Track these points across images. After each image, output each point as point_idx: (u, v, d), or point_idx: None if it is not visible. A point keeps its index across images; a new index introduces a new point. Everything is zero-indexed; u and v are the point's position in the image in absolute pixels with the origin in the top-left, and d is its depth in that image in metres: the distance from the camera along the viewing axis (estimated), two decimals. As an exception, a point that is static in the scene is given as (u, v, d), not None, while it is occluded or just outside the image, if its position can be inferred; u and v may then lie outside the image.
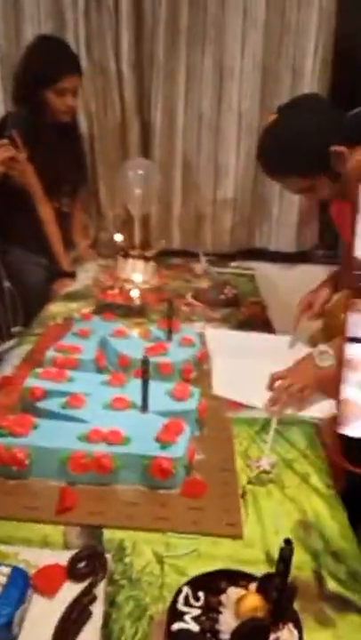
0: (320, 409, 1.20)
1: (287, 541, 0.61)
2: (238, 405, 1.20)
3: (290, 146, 1.15)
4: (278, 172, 1.22)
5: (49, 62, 1.81)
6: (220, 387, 1.26)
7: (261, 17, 2.03)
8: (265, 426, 1.14)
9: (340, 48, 2.09)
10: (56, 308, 1.75)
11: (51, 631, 0.67)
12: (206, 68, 2.11)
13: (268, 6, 2.03)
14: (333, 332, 1.28)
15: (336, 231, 2.21)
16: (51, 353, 1.26)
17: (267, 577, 0.67)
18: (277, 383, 1.21)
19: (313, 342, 1.42)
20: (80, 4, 2.06)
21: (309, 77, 2.09)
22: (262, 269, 2.19)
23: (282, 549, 0.60)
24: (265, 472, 1.00)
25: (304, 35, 2.07)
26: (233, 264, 2.23)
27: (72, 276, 2.02)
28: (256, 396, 1.21)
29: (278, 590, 0.62)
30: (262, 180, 2.28)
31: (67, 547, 0.82)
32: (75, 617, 0.69)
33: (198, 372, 1.32)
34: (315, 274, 1.57)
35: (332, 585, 0.79)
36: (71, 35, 2.10)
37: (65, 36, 2.10)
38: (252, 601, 0.65)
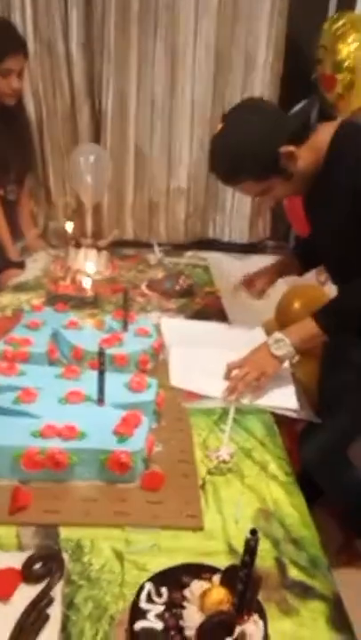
0: (277, 397, 1.20)
1: (253, 532, 0.59)
2: (196, 396, 1.19)
3: (239, 153, 1.16)
4: (232, 179, 1.23)
5: None
6: (178, 378, 1.25)
7: (214, 3, 2.01)
8: (223, 416, 1.13)
9: (293, 36, 2.10)
10: (5, 300, 1.68)
11: (6, 636, 0.64)
12: (158, 53, 2.07)
13: (220, -7, 2.01)
14: (287, 321, 1.29)
15: (287, 223, 2.25)
16: (0, 346, 1.20)
17: (231, 569, 0.65)
18: (234, 372, 1.20)
19: (268, 331, 1.43)
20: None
21: (262, 66, 2.10)
22: (216, 260, 2.18)
23: (248, 540, 0.59)
24: (224, 462, 0.99)
25: (257, 23, 2.07)
26: (187, 254, 2.21)
27: (21, 266, 1.95)
28: (213, 386, 1.21)
29: (243, 582, 0.61)
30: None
31: (21, 548, 0.79)
32: (31, 621, 0.66)
33: (155, 362, 1.30)
34: (267, 264, 1.59)
35: (293, 572, 0.79)
36: (18, 13, 2.01)
37: (11, 15, 2.01)
38: (217, 594, 0.64)
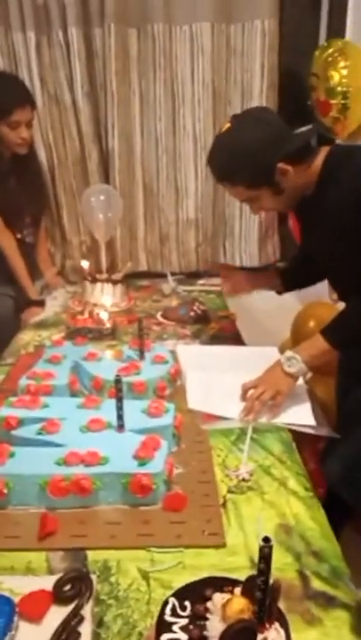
0: (293, 414, 1.23)
1: (266, 539, 0.62)
2: (213, 417, 1.22)
3: (237, 157, 1.19)
4: (225, 179, 1.27)
5: None
6: (195, 401, 1.28)
7: (208, 43, 2.12)
8: (241, 435, 1.16)
9: (286, 67, 2.19)
10: (27, 337, 1.74)
11: (40, 656, 0.67)
12: (159, 95, 2.17)
13: (213, 33, 2.11)
14: (302, 340, 1.31)
15: (296, 244, 2.29)
16: (24, 381, 1.26)
17: (251, 579, 0.68)
18: (249, 393, 1.23)
19: (283, 350, 1.46)
20: (31, 41, 2.11)
21: (258, 97, 2.18)
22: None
23: (261, 548, 0.62)
24: (244, 480, 1.02)
25: (250, 58, 2.16)
26: (200, 281, 2.26)
27: (41, 304, 2.02)
28: (230, 408, 1.24)
29: (261, 590, 0.63)
30: (222, 199, 2.36)
31: (51, 572, 0.82)
32: (63, 639, 0.69)
33: (172, 388, 1.33)
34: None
35: (316, 584, 0.81)
36: (25, 69, 2.15)
37: (18, 69, 2.15)
38: (238, 604, 0.66)
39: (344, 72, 1.86)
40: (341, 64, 1.86)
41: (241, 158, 1.19)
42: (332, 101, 1.89)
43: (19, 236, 2.02)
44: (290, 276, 1.56)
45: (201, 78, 2.16)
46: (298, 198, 1.26)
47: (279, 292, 1.59)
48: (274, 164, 1.18)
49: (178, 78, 2.16)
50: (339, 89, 1.86)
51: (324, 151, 1.24)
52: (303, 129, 1.25)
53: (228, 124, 1.23)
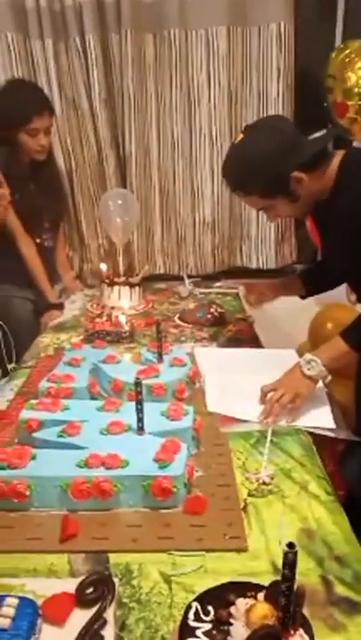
0: (312, 417, 1.22)
1: (290, 545, 0.61)
2: (233, 420, 1.22)
3: (251, 168, 1.20)
4: (239, 189, 1.27)
5: (18, 105, 1.86)
6: (214, 403, 1.28)
7: (224, 47, 2.12)
8: (260, 438, 1.15)
9: (302, 69, 2.18)
10: (46, 340, 1.76)
11: (63, 659, 0.67)
12: (175, 99, 2.19)
13: (228, 37, 2.12)
14: (320, 342, 1.30)
15: (313, 246, 2.28)
16: (44, 384, 1.27)
17: (274, 584, 0.67)
18: (269, 395, 1.23)
19: (302, 354, 1.45)
20: (49, 49, 2.14)
21: (274, 100, 2.18)
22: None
23: (286, 554, 0.61)
24: (264, 483, 1.01)
25: (266, 61, 2.16)
26: (217, 284, 2.26)
27: (60, 307, 2.04)
28: (250, 410, 1.23)
29: (286, 595, 0.62)
30: (239, 201, 2.35)
31: (73, 574, 0.82)
32: (86, 642, 0.69)
33: (191, 390, 1.33)
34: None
35: (339, 589, 0.80)
36: (43, 76, 2.17)
37: (37, 78, 2.17)
38: (262, 609, 0.65)
39: (361, 73, 1.85)
40: (359, 65, 1.85)
41: (255, 169, 1.19)
42: (349, 103, 1.87)
43: (38, 240, 2.04)
44: (312, 280, 1.55)
45: (217, 82, 2.16)
46: (314, 204, 1.26)
47: (302, 297, 1.59)
48: (288, 173, 1.18)
49: (194, 82, 2.17)
50: (356, 90, 1.85)
51: (339, 155, 1.23)
52: (317, 134, 1.25)
53: (242, 135, 1.24)
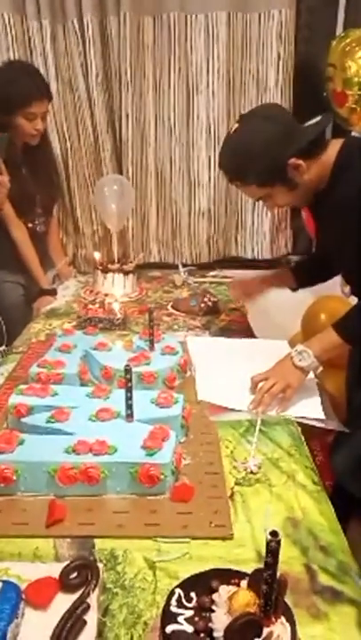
0: (302, 407, 1.22)
1: (273, 533, 0.61)
2: (223, 409, 1.22)
3: (247, 157, 1.19)
4: (237, 179, 1.26)
5: (19, 88, 1.84)
6: (205, 392, 1.28)
7: (224, 33, 2.09)
8: (250, 428, 1.15)
9: (302, 57, 2.16)
10: (38, 326, 1.75)
11: (45, 643, 0.67)
12: (173, 84, 2.16)
13: (229, 22, 2.09)
14: (313, 334, 1.30)
15: (309, 237, 2.28)
16: (34, 369, 1.26)
17: (257, 572, 0.67)
18: (259, 385, 1.23)
19: (293, 344, 1.45)
20: (46, 30, 2.10)
21: (273, 87, 2.16)
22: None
23: (269, 542, 0.61)
24: (252, 472, 1.01)
25: (266, 48, 2.13)
26: (211, 273, 2.26)
27: (52, 293, 2.03)
28: (240, 400, 1.23)
29: (268, 583, 0.63)
30: (235, 191, 2.34)
31: (58, 559, 0.82)
32: (69, 627, 0.69)
33: (182, 379, 1.33)
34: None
35: (323, 578, 0.80)
36: (40, 58, 2.14)
37: (34, 59, 2.14)
38: (244, 597, 0.65)
39: (362, 62, 1.83)
40: (359, 54, 1.83)
41: (251, 158, 1.19)
42: (349, 92, 1.86)
43: (30, 225, 2.03)
44: (304, 273, 1.55)
45: (216, 68, 2.13)
46: (313, 192, 1.25)
47: (293, 289, 1.58)
48: (285, 161, 1.18)
49: (193, 68, 2.14)
50: (356, 79, 1.83)
51: (338, 143, 1.22)
52: (313, 121, 1.24)
53: (237, 124, 1.23)
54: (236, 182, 1.27)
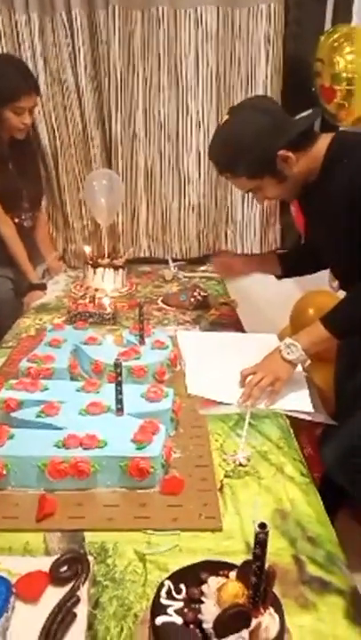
0: (291, 400, 1.23)
1: (262, 525, 0.62)
2: (212, 403, 1.22)
3: (237, 148, 1.19)
4: (227, 171, 1.27)
5: (7, 82, 1.83)
6: (195, 386, 1.28)
7: (213, 27, 2.08)
8: (239, 421, 1.16)
9: (291, 52, 2.16)
10: (28, 321, 1.74)
11: (36, 635, 0.68)
12: (162, 79, 2.15)
13: (218, 17, 2.08)
14: (302, 328, 1.31)
15: (297, 232, 2.28)
16: (24, 364, 1.26)
17: (246, 564, 0.68)
18: (248, 379, 1.23)
19: (282, 338, 1.46)
20: (35, 23, 2.08)
21: (262, 83, 2.16)
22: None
23: (257, 534, 0.62)
24: (241, 465, 1.02)
25: (255, 43, 2.13)
26: (201, 268, 2.26)
27: (42, 288, 2.02)
28: (229, 393, 1.24)
29: (256, 574, 0.63)
30: (225, 185, 2.34)
31: (48, 553, 0.83)
32: (59, 620, 0.70)
33: (172, 373, 1.34)
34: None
35: (311, 569, 0.81)
36: (28, 51, 2.12)
37: (22, 52, 2.12)
38: (233, 588, 0.66)
39: (350, 58, 1.83)
40: (347, 49, 1.83)
41: (241, 149, 1.19)
42: (337, 87, 1.86)
43: (16, 220, 2.02)
44: (290, 262, 1.55)
45: (205, 63, 2.12)
46: (302, 185, 1.25)
47: (278, 277, 1.58)
48: (274, 153, 1.18)
49: (182, 62, 2.13)
50: (344, 75, 1.83)
51: (328, 137, 1.23)
52: (303, 114, 1.25)
53: (227, 116, 1.23)
54: (227, 174, 1.28)
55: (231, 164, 1.24)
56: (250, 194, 1.33)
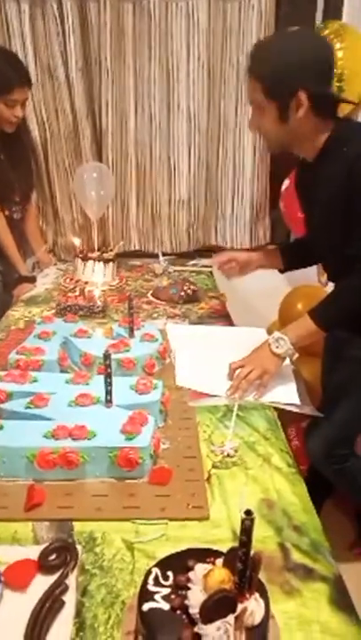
0: (278, 393, 1.24)
1: (248, 512, 0.63)
2: (201, 395, 1.24)
3: (279, 55, 1.16)
4: (251, 70, 1.21)
5: (1, 74, 1.81)
6: (183, 378, 1.29)
7: (204, 20, 2.08)
8: (227, 412, 1.17)
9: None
10: (18, 314, 1.74)
11: (24, 622, 0.68)
12: (153, 72, 2.14)
13: (210, 10, 2.08)
14: (290, 322, 1.32)
15: (286, 228, 2.30)
16: (13, 356, 1.26)
17: (232, 551, 0.69)
18: (237, 372, 1.25)
19: (270, 332, 1.47)
20: (25, 13, 2.07)
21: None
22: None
23: (243, 520, 0.63)
24: (228, 456, 1.03)
25: (246, 36, 2.13)
26: (191, 262, 2.26)
27: (32, 280, 2.01)
28: (218, 386, 1.25)
29: (242, 561, 0.64)
30: (215, 180, 2.35)
31: (37, 542, 0.83)
32: (47, 607, 0.70)
33: (161, 365, 1.34)
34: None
35: (296, 556, 0.83)
36: (18, 41, 2.10)
37: (12, 43, 2.10)
38: (219, 574, 0.67)
39: (340, 54, 1.83)
40: (337, 46, 1.84)
41: (272, 59, 1.16)
42: (328, 83, 1.86)
43: (7, 212, 2.01)
44: (292, 255, 1.54)
45: (196, 56, 2.12)
46: (292, 146, 1.25)
47: (281, 271, 1.58)
48: (297, 85, 1.14)
49: (173, 56, 2.13)
50: (335, 71, 1.84)
51: (330, 122, 1.22)
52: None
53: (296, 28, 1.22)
54: (251, 75, 1.21)
55: (256, 66, 1.19)
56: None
